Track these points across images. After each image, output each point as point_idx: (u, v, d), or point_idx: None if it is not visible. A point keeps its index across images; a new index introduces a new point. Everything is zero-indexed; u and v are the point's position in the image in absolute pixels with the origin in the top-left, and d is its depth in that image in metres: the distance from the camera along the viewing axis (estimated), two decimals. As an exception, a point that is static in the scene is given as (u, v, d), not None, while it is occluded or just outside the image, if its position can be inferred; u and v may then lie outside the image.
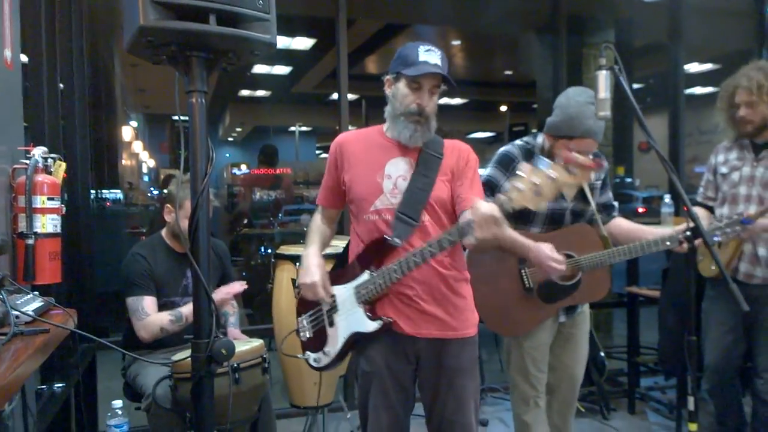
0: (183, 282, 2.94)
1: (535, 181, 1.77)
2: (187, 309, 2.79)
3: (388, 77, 2.14)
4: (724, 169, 3.03)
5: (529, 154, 2.62)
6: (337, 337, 2.16)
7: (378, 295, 2.07)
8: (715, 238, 2.51)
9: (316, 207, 2.37)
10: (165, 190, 8.69)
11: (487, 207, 1.76)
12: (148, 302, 2.81)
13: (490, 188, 2.56)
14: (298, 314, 2.29)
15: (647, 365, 4.40)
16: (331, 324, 2.17)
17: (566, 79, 5.18)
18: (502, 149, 2.67)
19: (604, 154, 5.28)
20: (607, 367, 4.18)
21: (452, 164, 2.13)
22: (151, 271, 2.86)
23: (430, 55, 2.04)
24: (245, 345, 2.67)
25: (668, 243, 2.45)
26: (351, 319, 2.12)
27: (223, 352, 1.54)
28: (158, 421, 2.60)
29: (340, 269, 2.22)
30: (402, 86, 2.06)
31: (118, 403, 2.23)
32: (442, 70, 2.03)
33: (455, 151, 2.16)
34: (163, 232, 3.00)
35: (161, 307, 2.87)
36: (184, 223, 2.80)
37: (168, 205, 2.93)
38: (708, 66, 10.75)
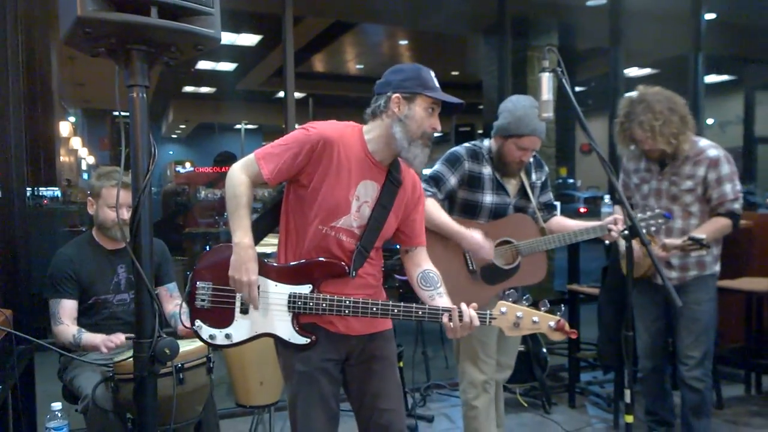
0: (114, 279, 2.85)
1: (518, 314, 1.98)
2: (87, 338, 2.64)
3: (396, 95, 2.01)
4: (635, 179, 3.26)
5: (475, 155, 2.82)
6: (248, 328, 2.05)
7: (311, 314, 2.02)
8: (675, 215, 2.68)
9: (250, 162, 2.04)
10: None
11: (469, 318, 1.96)
12: (65, 306, 2.72)
13: (436, 182, 2.77)
14: (199, 277, 2.07)
15: (587, 360, 4.52)
16: (245, 312, 2.05)
17: (511, 81, 5.28)
18: (451, 150, 2.86)
19: (546, 155, 5.42)
20: (548, 363, 4.28)
21: (407, 198, 2.15)
22: (75, 271, 2.75)
23: (436, 82, 2.07)
24: (189, 344, 2.63)
25: (597, 231, 2.70)
26: (274, 321, 2.04)
27: (167, 351, 1.51)
28: (97, 422, 2.53)
29: (270, 264, 2.07)
30: (420, 109, 2.01)
31: (57, 405, 2.17)
32: (462, 102, 2.08)
33: (411, 182, 2.17)
34: (94, 229, 2.91)
35: (93, 307, 2.79)
36: (106, 211, 2.77)
37: (90, 198, 2.85)
38: (647, 70, 11.11)
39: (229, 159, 7.19)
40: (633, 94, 3.12)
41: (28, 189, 3.43)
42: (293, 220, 2.10)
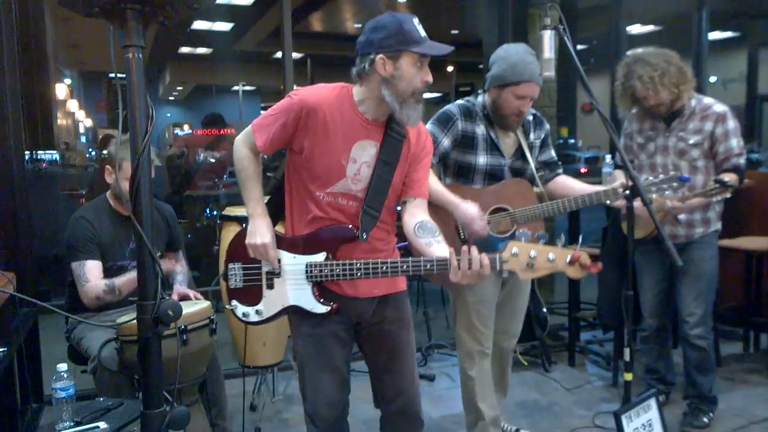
0: (130, 245, 2.88)
1: (532, 254, 1.86)
2: (120, 280, 2.73)
3: (380, 56, 1.91)
4: (640, 139, 3.23)
5: (469, 113, 2.68)
6: (276, 302, 2.10)
7: (330, 280, 2.04)
8: (653, 195, 2.60)
9: (248, 134, 2.08)
10: (104, 151, 8.45)
11: (479, 264, 1.85)
12: (91, 267, 2.75)
13: None
14: (230, 260, 2.15)
15: (587, 320, 4.56)
16: (270, 287, 2.10)
17: (512, 39, 5.19)
18: (444, 108, 2.72)
19: (547, 114, 5.37)
20: (548, 323, 4.32)
21: (412, 149, 2.09)
22: (95, 235, 2.78)
23: (422, 29, 1.96)
24: (193, 306, 2.65)
25: (603, 197, 2.56)
26: (296, 291, 2.07)
27: (170, 313, 1.52)
28: (105, 383, 2.57)
29: (284, 235, 2.11)
30: (407, 65, 1.92)
31: (63, 367, 2.19)
32: (449, 48, 1.96)
33: (415, 133, 2.10)
34: (108, 194, 2.92)
35: (109, 271, 2.81)
36: (125, 185, 2.76)
37: (108, 167, 2.85)
38: (649, 27, 10.97)
39: (215, 121, 7.12)
40: (628, 54, 3.11)
41: (26, 153, 3.40)
42: (295, 189, 2.09)
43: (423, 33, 1.95)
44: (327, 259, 2.02)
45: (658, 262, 3.25)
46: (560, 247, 1.88)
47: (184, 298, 2.87)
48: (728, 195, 2.92)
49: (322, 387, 2.11)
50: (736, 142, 3.01)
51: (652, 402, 2.55)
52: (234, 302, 2.14)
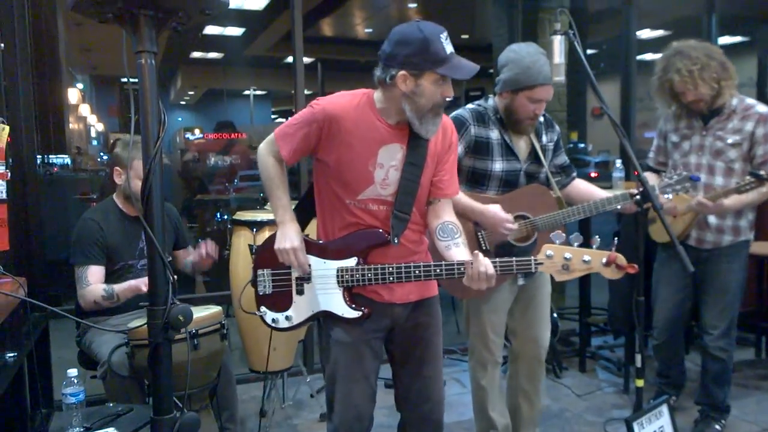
0: (139, 245, 2.90)
1: (567, 256, 1.88)
2: (119, 287, 2.72)
3: (403, 72, 1.88)
4: (674, 138, 3.11)
5: (481, 117, 2.62)
6: (306, 308, 2.10)
7: (360, 285, 2.03)
8: (667, 196, 2.58)
9: (272, 142, 2.09)
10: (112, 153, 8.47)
11: (484, 267, 1.89)
12: (93, 271, 2.76)
13: None
14: (259, 266, 2.16)
15: (597, 325, 4.53)
16: (300, 292, 2.10)
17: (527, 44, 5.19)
18: (455, 113, 2.65)
19: (557, 119, 5.35)
20: (559, 328, 4.30)
21: (438, 147, 2.08)
22: (103, 237, 2.80)
23: (450, 44, 1.89)
24: (203, 311, 2.66)
25: (619, 202, 2.52)
26: (326, 297, 2.06)
27: (181, 318, 1.52)
28: (115, 388, 2.58)
29: (314, 241, 2.10)
30: (428, 83, 1.89)
31: (73, 372, 2.19)
32: (474, 65, 1.92)
33: (440, 130, 2.06)
34: (115, 195, 2.94)
35: (118, 272, 2.83)
36: (135, 184, 2.78)
37: (117, 168, 2.87)
38: (660, 32, 10.91)
39: (226, 126, 7.19)
40: (669, 47, 2.99)
41: (38, 157, 3.43)
42: (325, 197, 2.08)
43: (449, 49, 1.89)
44: (358, 263, 2.02)
45: (679, 271, 3.04)
46: (594, 249, 1.90)
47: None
48: (765, 190, 2.80)
49: (353, 399, 2.08)
50: None
51: (664, 408, 2.54)
52: (263, 308, 2.15)
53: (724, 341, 3.07)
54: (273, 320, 2.14)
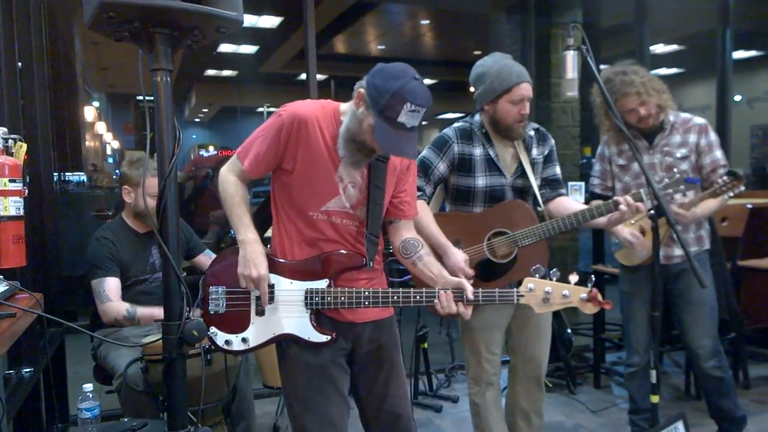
0: (149, 260, 2.96)
1: (547, 290, 1.94)
2: (141, 311, 2.77)
3: (362, 91, 1.84)
4: (621, 161, 3.09)
5: (466, 134, 2.61)
6: (265, 330, 1.98)
7: (330, 308, 1.97)
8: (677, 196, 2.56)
9: (233, 160, 2.04)
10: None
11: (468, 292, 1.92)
12: (111, 284, 2.80)
13: (424, 170, 2.57)
14: (212, 283, 2.01)
15: (612, 341, 4.50)
16: (260, 313, 1.98)
17: (534, 59, 5.21)
18: (441, 132, 2.66)
19: (570, 134, 5.35)
20: (573, 344, 4.27)
21: (397, 169, 2.07)
22: (117, 252, 2.86)
23: (411, 118, 1.77)
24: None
25: (602, 214, 2.49)
26: (291, 319, 1.97)
27: (195, 333, 1.53)
28: (130, 401, 2.59)
29: (278, 259, 2.01)
30: (367, 123, 1.83)
31: (88, 387, 2.21)
32: (411, 151, 1.83)
33: None
34: (124, 214, 3.01)
35: (130, 287, 2.88)
36: (147, 200, 2.80)
37: (126, 186, 2.92)
38: (673, 47, 10.87)
39: None
40: (600, 78, 2.79)
41: (54, 174, 3.46)
42: (284, 213, 2.03)
43: (402, 119, 1.76)
44: (329, 286, 1.96)
45: (650, 291, 3.01)
46: (573, 285, 1.96)
47: None
48: (742, 189, 2.76)
49: (332, 419, 2.01)
50: (720, 154, 2.95)
51: (680, 425, 2.50)
52: (213, 329, 1.98)
53: (716, 359, 3.03)
54: (226, 342, 1.99)
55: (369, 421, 2.16)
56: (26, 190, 1.98)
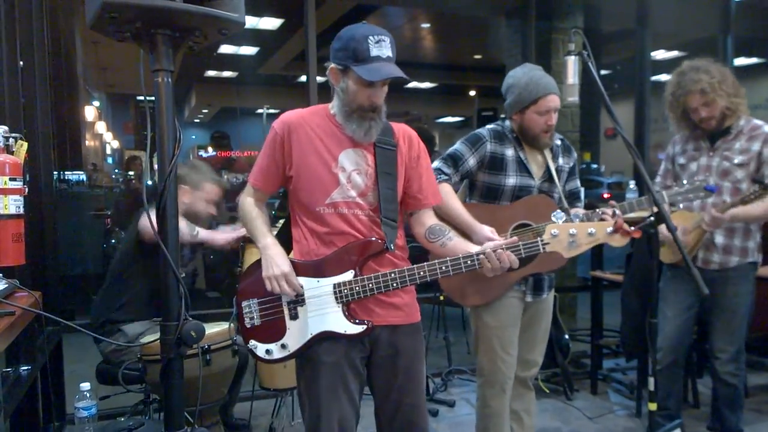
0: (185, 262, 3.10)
1: (572, 231, 1.92)
2: (205, 232, 2.91)
3: (333, 66, 1.95)
4: (682, 160, 3.11)
5: (499, 136, 2.67)
6: (302, 333, 2.00)
7: (361, 298, 1.98)
8: (680, 206, 2.55)
9: (247, 185, 2.15)
10: (130, 172, 8.56)
11: (507, 259, 1.94)
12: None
13: (454, 161, 2.63)
14: (244, 298, 2.08)
15: (610, 347, 4.49)
16: (294, 317, 2.01)
17: (535, 64, 5.20)
18: (475, 130, 2.71)
19: (570, 139, 5.35)
20: (571, 350, 4.26)
21: (405, 156, 2.10)
22: None
23: (381, 48, 1.87)
24: (215, 327, 2.67)
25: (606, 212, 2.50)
26: (325, 317, 1.99)
27: (193, 334, 1.53)
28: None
29: (302, 261, 2.04)
30: (352, 83, 1.92)
31: (86, 386, 2.21)
32: (397, 72, 1.88)
33: (406, 140, 2.11)
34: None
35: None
36: (201, 205, 3.00)
37: (185, 187, 2.99)
38: (674, 53, 10.90)
39: (221, 137, 7.39)
40: (681, 66, 3.00)
41: (54, 173, 3.46)
42: (298, 217, 2.08)
43: (376, 53, 1.87)
44: (356, 276, 1.98)
45: (688, 291, 3.07)
46: (597, 221, 1.94)
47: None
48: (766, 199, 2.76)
49: (343, 420, 2.02)
50: None
51: (678, 433, 2.50)
52: (253, 342, 2.05)
53: (734, 366, 3.03)
54: (267, 351, 2.04)
55: (383, 425, 2.16)
56: (26, 189, 1.98)
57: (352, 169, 2.01)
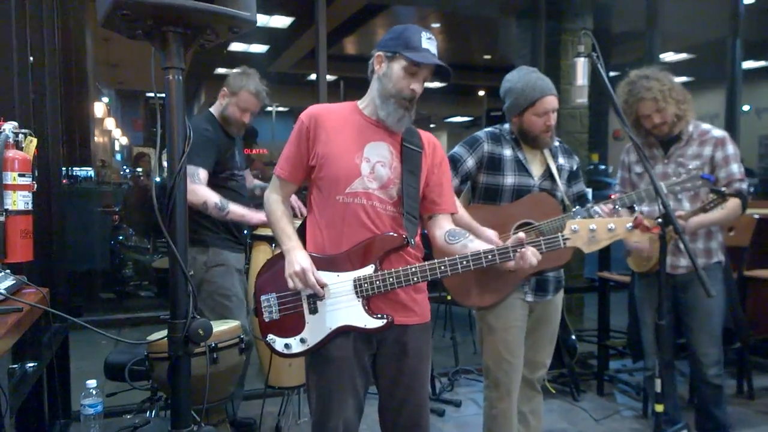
0: (236, 156, 3.15)
1: (592, 227, 1.95)
2: (234, 206, 2.93)
3: (379, 53, 2.04)
4: (638, 169, 3.13)
5: (496, 138, 2.69)
6: (322, 327, 2.01)
7: (381, 292, 1.99)
8: (680, 196, 2.62)
9: (272, 180, 2.18)
10: (138, 169, 8.58)
11: (531, 255, 1.96)
12: (203, 173, 2.93)
13: (453, 163, 2.63)
14: (262, 292, 2.08)
15: (616, 348, 4.48)
16: (314, 311, 2.02)
17: (544, 65, 5.20)
18: (473, 134, 2.74)
19: (578, 140, 5.34)
20: (577, 350, 4.25)
21: (429, 163, 2.13)
22: (213, 140, 3.01)
23: (431, 44, 2.01)
24: (223, 325, 2.67)
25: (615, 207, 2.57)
26: (344, 311, 2.00)
27: (201, 332, 1.53)
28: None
29: (322, 256, 2.04)
30: (398, 68, 1.99)
31: (92, 383, 2.21)
32: (444, 64, 1.99)
33: (431, 146, 2.15)
34: (213, 109, 3.18)
35: (227, 180, 3.08)
36: (234, 111, 3.07)
37: (225, 90, 3.11)
38: (683, 55, 10.86)
39: (249, 135, 7.38)
40: (628, 76, 3.02)
41: (63, 169, 3.47)
42: (319, 205, 2.08)
43: (426, 45, 1.99)
44: (376, 270, 1.99)
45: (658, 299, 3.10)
46: (617, 217, 1.96)
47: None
48: (730, 205, 2.80)
49: (346, 415, 2.04)
50: (737, 167, 2.94)
51: (684, 435, 2.49)
52: (271, 336, 2.06)
53: (718, 368, 3.06)
54: (285, 346, 2.04)
55: (387, 423, 2.17)
56: (35, 185, 1.99)
57: (377, 161, 2.04)
